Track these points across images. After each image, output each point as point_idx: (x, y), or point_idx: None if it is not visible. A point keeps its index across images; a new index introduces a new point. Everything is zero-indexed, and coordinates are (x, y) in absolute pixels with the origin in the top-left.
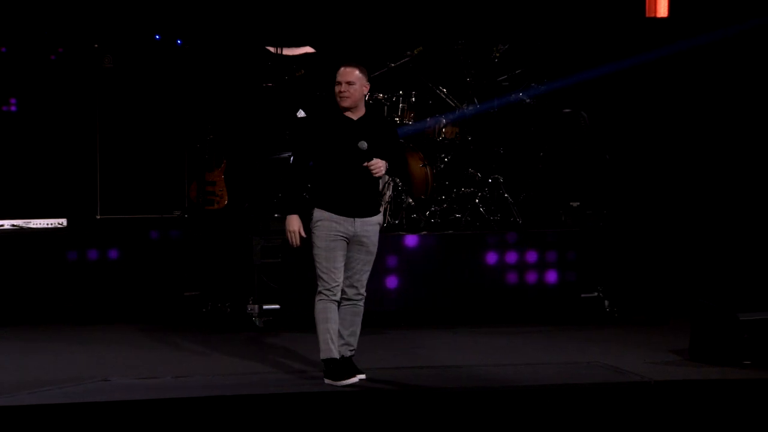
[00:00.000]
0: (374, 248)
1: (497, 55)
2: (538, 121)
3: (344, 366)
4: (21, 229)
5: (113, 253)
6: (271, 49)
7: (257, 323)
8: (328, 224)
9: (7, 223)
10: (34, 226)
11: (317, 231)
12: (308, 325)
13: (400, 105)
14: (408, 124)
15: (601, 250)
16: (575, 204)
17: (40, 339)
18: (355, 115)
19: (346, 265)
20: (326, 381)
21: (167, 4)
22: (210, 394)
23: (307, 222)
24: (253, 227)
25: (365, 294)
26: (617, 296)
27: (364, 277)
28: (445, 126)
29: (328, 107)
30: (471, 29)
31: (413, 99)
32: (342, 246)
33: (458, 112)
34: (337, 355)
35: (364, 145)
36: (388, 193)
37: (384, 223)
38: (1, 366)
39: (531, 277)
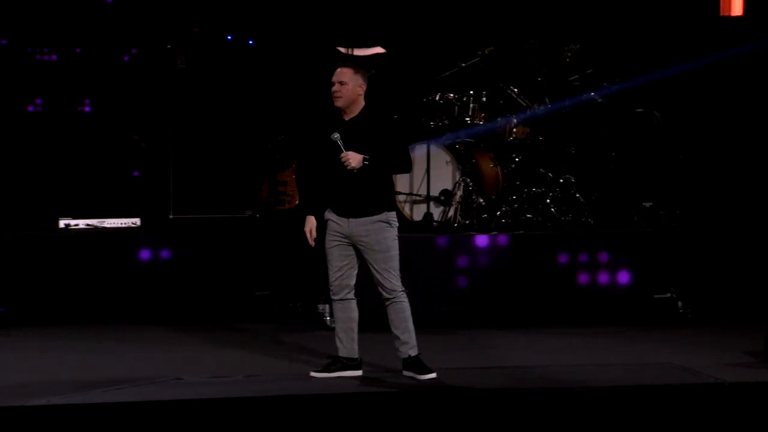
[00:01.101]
0: (380, 246)
1: (569, 54)
2: (610, 121)
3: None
4: (95, 228)
5: (185, 253)
6: (342, 50)
7: (328, 323)
8: (330, 224)
9: (82, 223)
10: (108, 226)
11: (326, 230)
12: (379, 324)
13: (471, 105)
14: (479, 124)
15: (674, 250)
16: (648, 204)
17: (113, 338)
18: (348, 115)
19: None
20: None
21: (239, 5)
22: (281, 393)
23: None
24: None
25: (398, 291)
26: (690, 297)
27: (384, 277)
28: (516, 126)
29: (328, 108)
30: (542, 29)
31: (484, 99)
32: (340, 246)
33: (529, 112)
34: (340, 353)
35: (335, 136)
36: (459, 193)
37: (455, 222)
38: (75, 364)
39: (603, 277)
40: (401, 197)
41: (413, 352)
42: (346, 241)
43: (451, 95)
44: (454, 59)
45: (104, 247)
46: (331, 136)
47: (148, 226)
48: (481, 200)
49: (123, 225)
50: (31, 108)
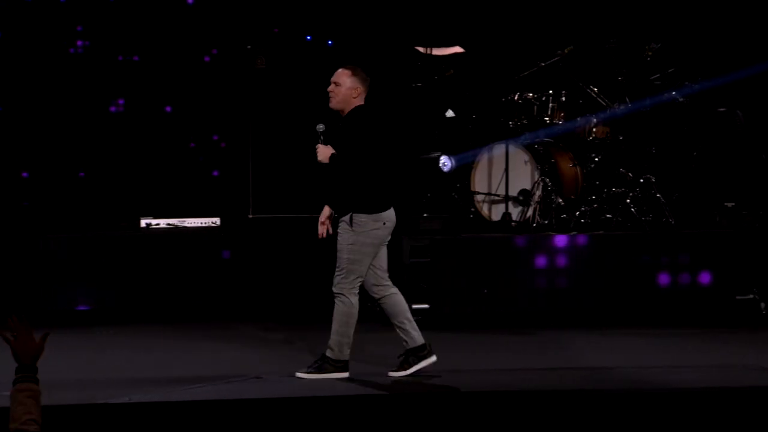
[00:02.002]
0: (338, 245)
1: (650, 53)
2: (692, 121)
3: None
4: (176, 228)
5: (264, 253)
6: (421, 49)
7: None
8: None
9: (163, 222)
10: (189, 225)
11: None
12: (459, 325)
13: (550, 104)
14: (558, 123)
15: (756, 251)
16: (730, 205)
17: (194, 336)
18: (342, 115)
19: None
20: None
21: (319, 6)
22: (361, 393)
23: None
24: (402, 227)
25: (338, 291)
26: None
27: (373, 278)
28: (595, 125)
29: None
30: (623, 28)
31: (563, 98)
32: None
33: (609, 112)
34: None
35: (320, 127)
36: (538, 193)
37: (533, 222)
38: (156, 362)
39: (684, 278)
40: (479, 197)
41: (328, 352)
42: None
43: (531, 95)
44: (534, 58)
45: (184, 246)
46: (317, 127)
47: (228, 226)
48: (560, 200)
49: (203, 224)
50: (113, 108)
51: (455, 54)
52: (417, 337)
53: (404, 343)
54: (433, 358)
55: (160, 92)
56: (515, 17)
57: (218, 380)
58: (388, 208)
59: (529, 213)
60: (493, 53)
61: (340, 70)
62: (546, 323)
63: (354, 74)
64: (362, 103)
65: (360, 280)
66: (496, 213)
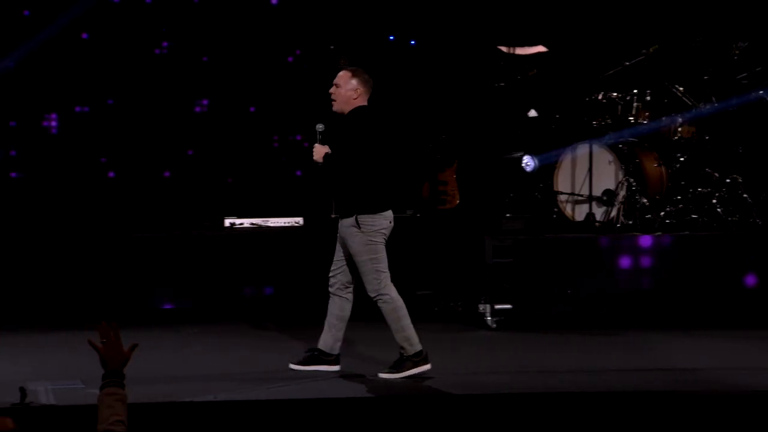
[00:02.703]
0: (352, 250)
1: (737, 52)
2: None
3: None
4: (259, 227)
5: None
6: (504, 49)
7: (489, 323)
8: None
9: (246, 222)
10: (272, 225)
11: None
12: (542, 325)
13: (635, 104)
14: (643, 123)
15: None
16: None
17: (276, 335)
18: (343, 117)
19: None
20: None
21: (401, 5)
22: (439, 393)
23: None
24: (485, 227)
25: (378, 293)
26: None
27: (364, 280)
28: (681, 125)
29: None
30: (709, 26)
31: (648, 98)
32: (339, 240)
33: (695, 111)
34: (319, 344)
35: (319, 127)
36: (622, 193)
37: (617, 223)
38: (242, 361)
39: None
40: (563, 197)
41: (405, 352)
42: (342, 237)
43: (615, 94)
44: (618, 57)
45: (267, 246)
46: (316, 126)
47: (310, 225)
48: (645, 200)
49: (286, 224)
50: (197, 108)
51: (538, 53)
52: (335, 346)
53: (320, 341)
54: (336, 368)
55: (243, 92)
56: (599, 16)
57: (303, 379)
58: (390, 207)
59: (613, 213)
60: (577, 52)
61: (340, 72)
62: (630, 324)
63: (354, 76)
64: (364, 104)
65: (388, 275)
66: (580, 213)
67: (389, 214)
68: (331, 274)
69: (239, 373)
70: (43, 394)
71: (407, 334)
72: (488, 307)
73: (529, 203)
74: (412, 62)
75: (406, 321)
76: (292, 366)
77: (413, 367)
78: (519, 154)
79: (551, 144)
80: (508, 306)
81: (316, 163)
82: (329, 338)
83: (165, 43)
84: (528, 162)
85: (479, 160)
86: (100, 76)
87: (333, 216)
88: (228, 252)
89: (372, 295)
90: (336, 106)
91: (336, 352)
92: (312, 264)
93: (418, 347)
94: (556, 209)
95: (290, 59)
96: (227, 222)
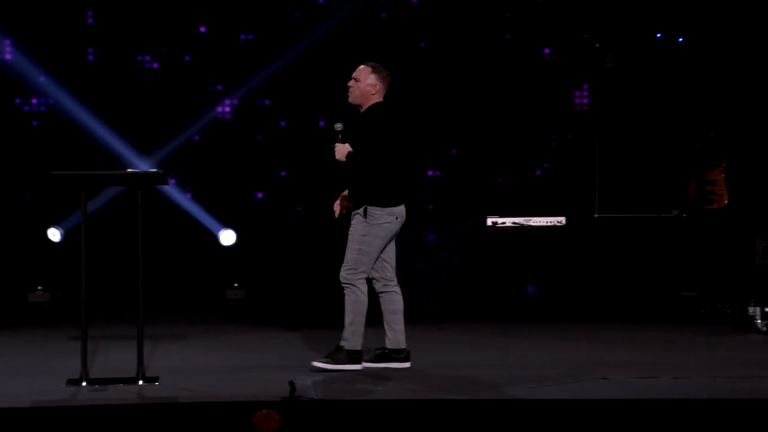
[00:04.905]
0: (350, 236)
1: None
2: None
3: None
4: (521, 226)
5: (610, 252)
6: None
7: (759, 326)
8: None
9: (508, 221)
10: (534, 224)
11: None
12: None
13: None
14: None
15: None
16: None
17: (535, 334)
18: (360, 111)
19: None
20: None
21: (670, 3)
22: (707, 397)
23: None
24: (755, 227)
25: (346, 282)
26: None
27: (379, 272)
28: None
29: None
30: None
31: None
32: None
33: None
34: (388, 345)
35: (338, 126)
36: None
37: None
38: (499, 360)
39: None
40: None
41: (345, 345)
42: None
43: None
44: None
45: (529, 244)
46: (335, 126)
47: (573, 225)
48: None
49: (548, 224)
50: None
51: None
52: (399, 340)
53: (387, 340)
54: (407, 365)
55: (503, 91)
56: None
57: (564, 379)
58: (401, 204)
59: None
60: None
61: (361, 66)
62: None
63: (374, 71)
64: (381, 100)
65: (366, 271)
66: None
67: (399, 210)
68: (369, 276)
69: (500, 371)
70: (311, 388)
71: (356, 329)
72: (758, 309)
73: None
74: (680, 59)
75: (361, 318)
76: (365, 364)
77: (349, 363)
78: None
79: None
80: None
81: (339, 162)
82: (392, 335)
83: (422, 44)
84: None
85: (750, 159)
86: None
87: (596, 216)
88: (489, 250)
89: (342, 281)
90: (352, 100)
91: (403, 346)
92: (575, 263)
93: (360, 347)
94: None
95: (546, 51)
96: (489, 221)
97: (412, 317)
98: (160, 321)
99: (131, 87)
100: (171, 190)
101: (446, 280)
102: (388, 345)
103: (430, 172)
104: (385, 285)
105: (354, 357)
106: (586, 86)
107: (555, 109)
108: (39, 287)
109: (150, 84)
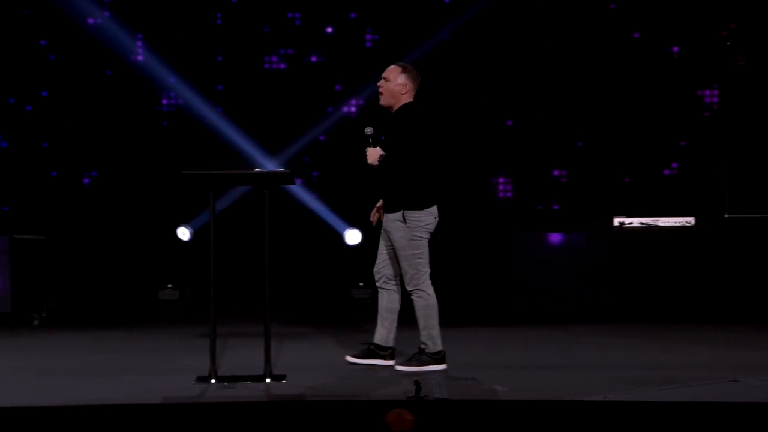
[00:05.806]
0: (397, 244)
1: None
2: None
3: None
4: (648, 227)
5: (740, 253)
6: None
7: None
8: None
9: (636, 221)
10: (662, 225)
11: None
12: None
13: None
14: None
15: None
16: None
17: (660, 335)
18: (391, 111)
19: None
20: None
21: None
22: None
23: None
24: None
25: (415, 288)
26: None
27: (404, 273)
28: None
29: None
30: None
31: None
32: (384, 235)
33: None
34: (374, 338)
35: (368, 130)
36: None
37: None
38: (632, 362)
39: None
40: None
41: (426, 348)
42: (387, 231)
43: None
44: None
45: (656, 245)
46: (365, 130)
47: (703, 225)
48: None
49: (677, 224)
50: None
51: None
52: (388, 337)
53: (375, 335)
54: (390, 362)
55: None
56: None
57: (694, 381)
58: (435, 203)
59: None
60: None
61: (391, 66)
62: None
63: (404, 71)
64: (411, 100)
65: (428, 271)
66: None
67: (434, 210)
68: (375, 269)
69: (627, 372)
70: (437, 387)
71: (433, 332)
72: None
73: None
74: None
75: (435, 320)
76: (349, 359)
77: (432, 364)
78: None
79: None
80: None
81: (371, 166)
82: (383, 331)
83: (548, 42)
84: None
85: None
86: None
87: (727, 216)
88: (617, 250)
89: (409, 288)
90: (383, 100)
91: (390, 344)
92: (705, 264)
93: (440, 347)
94: None
95: (675, 51)
96: (616, 221)
97: (536, 318)
98: (287, 319)
99: (258, 87)
100: (297, 189)
101: (573, 280)
102: (376, 340)
103: (555, 172)
104: (385, 282)
105: (437, 358)
106: (716, 85)
107: (684, 109)
108: (169, 285)
109: (276, 84)
